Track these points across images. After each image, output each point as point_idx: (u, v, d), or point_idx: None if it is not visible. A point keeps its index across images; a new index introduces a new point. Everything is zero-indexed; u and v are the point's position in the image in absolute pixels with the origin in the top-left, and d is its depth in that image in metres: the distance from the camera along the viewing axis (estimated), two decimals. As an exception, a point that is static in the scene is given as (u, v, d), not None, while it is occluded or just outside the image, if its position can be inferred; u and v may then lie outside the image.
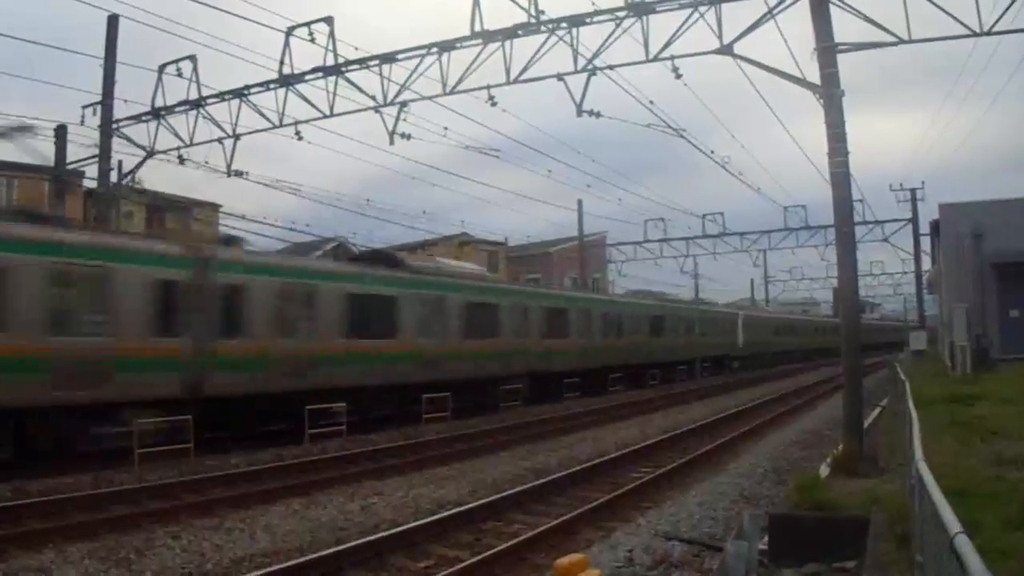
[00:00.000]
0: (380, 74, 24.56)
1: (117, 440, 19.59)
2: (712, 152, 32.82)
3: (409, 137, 25.87)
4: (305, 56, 25.21)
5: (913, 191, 53.95)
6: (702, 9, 20.28)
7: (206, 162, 29.02)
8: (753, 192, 45.67)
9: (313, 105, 25.74)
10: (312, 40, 24.14)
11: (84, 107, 28.75)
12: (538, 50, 22.56)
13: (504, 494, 15.82)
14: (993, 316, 35.53)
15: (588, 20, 21.91)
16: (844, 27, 21.27)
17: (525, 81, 23.04)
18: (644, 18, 21.08)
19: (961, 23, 18.77)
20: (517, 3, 21.90)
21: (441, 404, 28.55)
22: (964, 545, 3.76)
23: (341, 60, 24.51)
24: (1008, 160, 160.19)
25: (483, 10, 22.46)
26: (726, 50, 19.96)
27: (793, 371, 68.15)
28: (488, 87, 23.56)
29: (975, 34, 18.80)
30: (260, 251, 26.55)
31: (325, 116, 25.62)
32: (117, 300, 19.66)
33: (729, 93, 36.48)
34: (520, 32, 22.49)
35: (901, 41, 18.96)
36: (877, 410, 26.97)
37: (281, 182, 34.09)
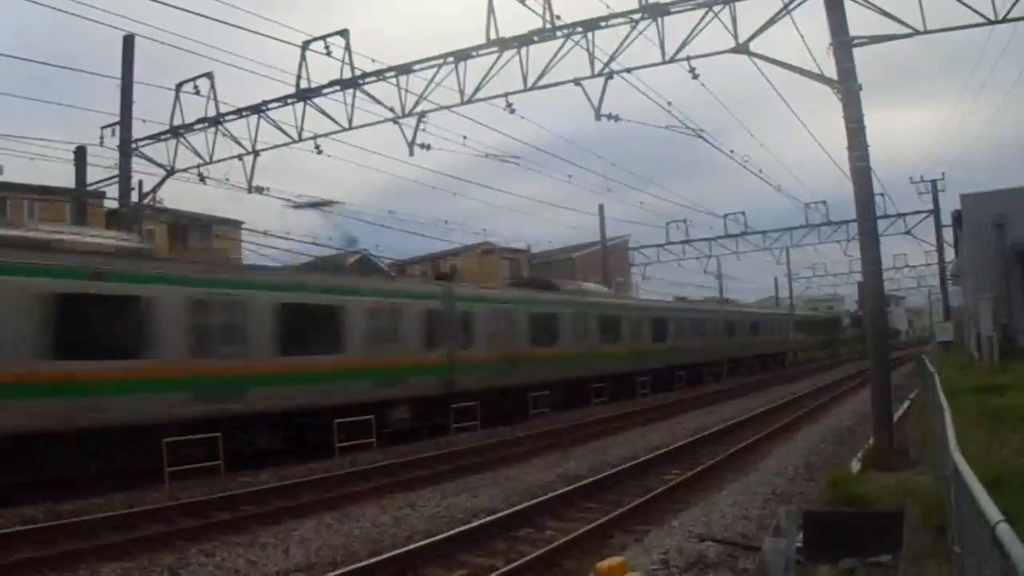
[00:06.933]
0: (397, 85, 24.60)
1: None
2: (732, 151, 32.84)
3: (429, 147, 25.84)
4: (322, 70, 25.30)
5: (934, 182, 53.56)
6: (716, 8, 20.26)
7: (226, 179, 29.12)
8: (774, 190, 45.70)
9: (332, 118, 25.81)
10: (328, 54, 24.19)
11: (103, 127, 28.98)
12: (554, 55, 22.55)
13: (536, 500, 15.83)
14: (1019, 304, 35.25)
15: (603, 24, 21.89)
16: (858, 20, 21.24)
17: (542, 87, 23.03)
18: (659, 19, 21.06)
19: (975, 11, 18.71)
20: (532, 9, 21.93)
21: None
22: (1006, 534, 3.74)
23: (358, 73, 24.57)
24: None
25: (498, 18, 22.47)
26: (742, 49, 19.94)
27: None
28: (506, 94, 23.53)
29: (990, 22, 18.73)
30: None
31: (344, 129, 25.67)
32: None
33: (746, 92, 36.45)
34: (536, 38, 22.48)
35: (916, 32, 18.92)
36: (905, 404, 26.89)
37: (303, 197, 33.95)
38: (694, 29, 20.78)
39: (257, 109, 26.95)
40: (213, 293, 21.66)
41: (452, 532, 13.41)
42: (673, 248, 62.27)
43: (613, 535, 13.39)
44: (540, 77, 22.89)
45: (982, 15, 18.67)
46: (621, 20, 21.64)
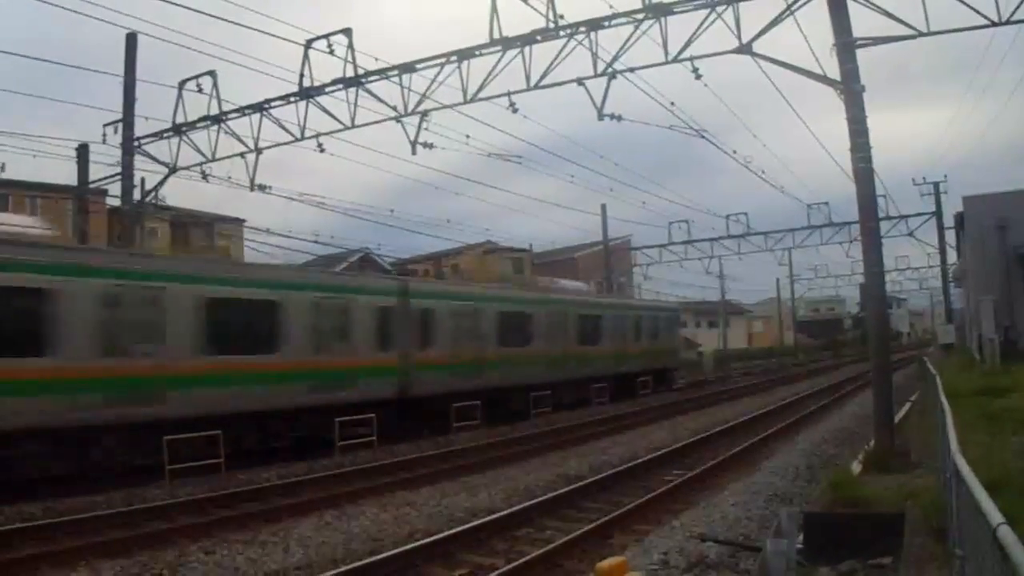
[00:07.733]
0: (400, 84, 24.51)
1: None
2: (734, 152, 32.78)
3: (431, 146, 25.75)
4: (325, 68, 25.18)
5: (936, 184, 53.45)
6: (720, 9, 20.21)
7: (229, 177, 29.03)
8: (776, 191, 45.50)
9: (334, 117, 25.69)
10: (331, 52, 24.09)
11: (105, 125, 28.88)
12: (557, 55, 22.49)
13: (537, 500, 15.82)
14: (1021, 307, 35.21)
15: (606, 23, 21.82)
16: (862, 21, 21.22)
17: (545, 87, 22.94)
18: (662, 19, 21.00)
19: (979, 13, 18.66)
20: (535, 9, 21.87)
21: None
22: (1007, 536, 3.72)
23: (361, 71, 24.48)
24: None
25: (501, 17, 22.38)
26: (745, 49, 19.90)
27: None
28: (508, 94, 23.41)
29: (993, 24, 18.68)
30: None
31: (347, 128, 25.55)
32: None
33: (749, 92, 36.32)
34: (539, 38, 22.40)
35: (920, 34, 18.88)
36: (907, 406, 26.88)
37: (305, 195, 34.03)
38: (697, 29, 20.73)
39: (260, 107, 26.85)
40: None
41: (452, 531, 13.41)
42: (675, 248, 62.00)
43: (613, 535, 13.39)
44: (543, 77, 22.84)
45: (986, 17, 18.63)
46: (624, 20, 21.59)
